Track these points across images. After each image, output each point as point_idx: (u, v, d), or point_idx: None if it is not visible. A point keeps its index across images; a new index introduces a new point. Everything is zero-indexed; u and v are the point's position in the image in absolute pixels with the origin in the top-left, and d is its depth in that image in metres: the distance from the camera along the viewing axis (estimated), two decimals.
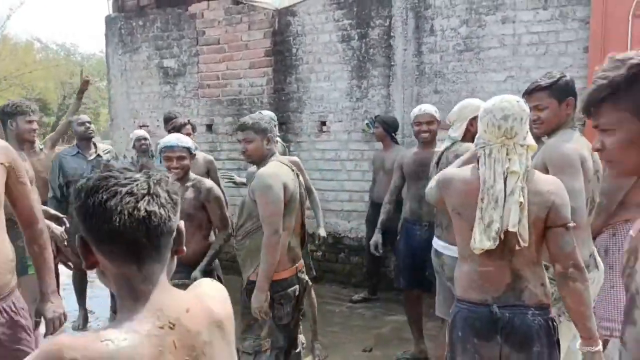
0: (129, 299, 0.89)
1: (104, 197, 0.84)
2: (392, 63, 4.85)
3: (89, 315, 4.39)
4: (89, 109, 28.04)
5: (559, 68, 4.18)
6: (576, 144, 2.07)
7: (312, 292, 3.41)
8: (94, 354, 0.80)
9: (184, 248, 0.96)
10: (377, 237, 3.62)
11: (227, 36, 5.61)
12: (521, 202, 1.72)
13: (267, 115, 3.29)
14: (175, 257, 0.96)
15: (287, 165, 2.58)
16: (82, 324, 4.27)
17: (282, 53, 5.37)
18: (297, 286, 2.57)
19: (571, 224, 1.76)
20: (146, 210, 0.85)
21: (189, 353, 0.88)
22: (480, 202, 1.75)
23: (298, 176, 2.60)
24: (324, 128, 5.28)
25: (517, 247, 1.74)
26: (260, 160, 2.55)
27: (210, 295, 1.00)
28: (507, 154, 1.77)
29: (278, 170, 2.48)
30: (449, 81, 4.63)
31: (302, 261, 2.67)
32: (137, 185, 0.86)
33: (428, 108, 3.47)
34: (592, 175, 2.07)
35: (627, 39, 4.05)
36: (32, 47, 26.00)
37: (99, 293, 4.52)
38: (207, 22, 5.71)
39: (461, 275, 1.87)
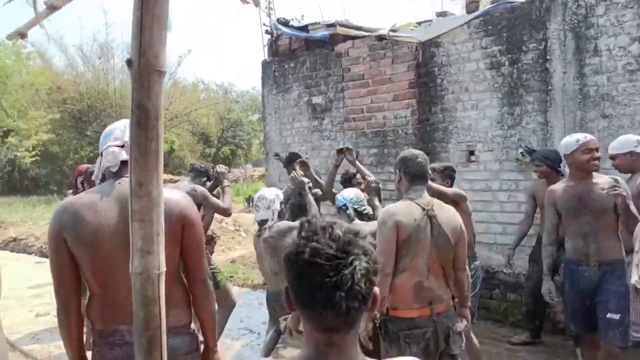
0: (310, 350, 0.98)
1: (311, 285, 0.92)
2: (550, 87, 4.52)
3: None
4: (242, 140, 30.89)
5: None
6: None
7: (473, 338, 3.21)
8: None
9: (376, 312, 1.01)
10: (548, 284, 3.29)
11: (372, 71, 5.76)
12: None
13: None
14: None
15: (420, 204, 2.51)
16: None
17: (426, 84, 5.34)
18: (428, 329, 2.45)
19: None
20: (347, 306, 0.91)
21: None
22: None
23: (431, 217, 2.49)
24: (473, 158, 5.09)
25: None
26: (400, 194, 2.66)
27: None
28: None
29: (397, 209, 2.50)
30: (620, 104, 4.15)
31: (444, 304, 2.54)
32: (341, 278, 0.91)
33: (589, 135, 3.17)
34: None
35: None
36: (197, 88, 29.67)
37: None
38: (352, 59, 5.94)
39: None
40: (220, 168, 4.23)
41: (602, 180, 3.10)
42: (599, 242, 3.06)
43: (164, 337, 1.06)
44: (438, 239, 2.50)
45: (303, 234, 0.96)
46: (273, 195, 3.65)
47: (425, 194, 2.59)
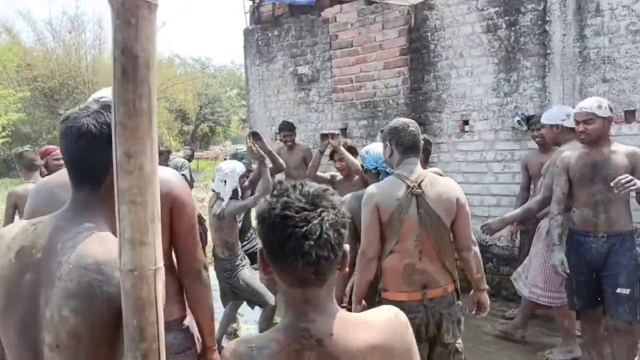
0: (290, 312, 1.02)
1: (282, 236, 0.95)
2: (548, 51, 4.33)
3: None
4: (221, 116, 30.28)
5: None
6: None
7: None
8: (238, 356, 1.00)
9: (347, 269, 1.04)
10: (560, 254, 3.08)
11: (361, 38, 5.49)
12: None
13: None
14: (338, 272, 1.05)
15: (405, 180, 2.30)
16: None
17: (418, 50, 5.10)
18: (417, 314, 2.26)
19: None
20: (317, 255, 0.95)
21: None
22: None
23: (418, 195, 2.28)
24: (467, 127, 4.91)
25: None
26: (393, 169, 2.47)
27: (361, 324, 1.05)
28: None
29: (378, 190, 2.35)
30: (621, 67, 3.99)
31: (441, 289, 2.33)
32: (310, 228, 0.95)
33: (586, 104, 2.99)
34: None
35: None
36: (172, 63, 28.79)
37: None
38: (340, 25, 5.65)
39: None
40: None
41: (620, 149, 2.95)
42: (608, 212, 2.95)
43: (163, 348, 0.84)
44: (426, 218, 2.28)
45: (275, 192, 1.01)
46: (230, 168, 3.51)
47: (418, 167, 2.37)
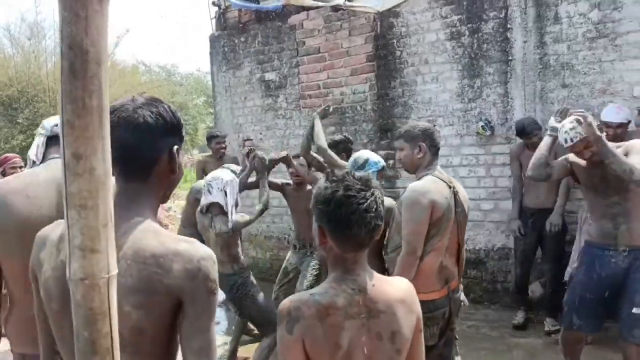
0: (340, 270, 1.27)
1: (348, 211, 1.21)
2: (510, 57, 4.44)
3: None
4: (188, 124, 29.83)
5: None
6: None
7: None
8: (304, 302, 1.23)
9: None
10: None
11: (328, 44, 5.51)
12: None
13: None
14: None
15: (444, 180, 2.40)
16: None
17: (385, 57, 5.15)
18: (446, 308, 2.38)
19: None
20: (374, 224, 1.23)
21: (367, 310, 1.25)
22: None
23: (455, 194, 2.40)
24: None
25: None
26: (413, 170, 2.49)
27: (390, 282, 1.35)
28: None
29: (430, 187, 2.33)
30: (579, 73, 4.13)
31: (456, 280, 2.47)
32: (369, 204, 1.21)
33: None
34: None
35: None
36: (137, 71, 28.16)
37: None
38: (307, 32, 5.65)
39: None
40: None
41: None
42: (630, 223, 2.66)
43: None
44: (460, 216, 2.42)
45: (334, 178, 1.26)
46: (230, 176, 3.24)
47: (441, 169, 2.50)
